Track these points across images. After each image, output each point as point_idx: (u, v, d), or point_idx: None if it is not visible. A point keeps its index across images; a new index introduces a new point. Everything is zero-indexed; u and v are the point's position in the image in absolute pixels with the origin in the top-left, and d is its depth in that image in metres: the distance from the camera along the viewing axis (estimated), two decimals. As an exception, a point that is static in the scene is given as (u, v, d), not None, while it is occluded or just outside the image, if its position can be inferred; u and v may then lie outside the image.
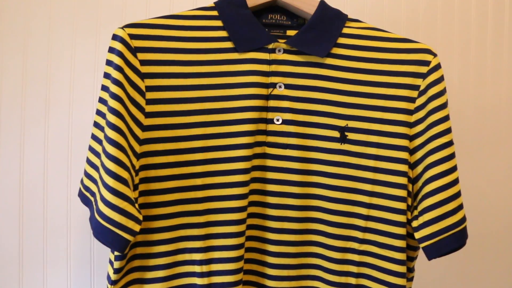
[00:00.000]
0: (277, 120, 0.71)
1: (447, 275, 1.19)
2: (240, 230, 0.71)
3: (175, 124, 0.69)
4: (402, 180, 0.71)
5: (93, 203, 0.67)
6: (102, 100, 0.68)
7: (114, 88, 0.65)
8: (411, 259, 0.75)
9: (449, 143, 0.70)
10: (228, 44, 0.71)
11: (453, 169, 0.71)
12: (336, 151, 0.71)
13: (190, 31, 0.70)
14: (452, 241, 0.71)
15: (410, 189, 0.72)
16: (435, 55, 0.72)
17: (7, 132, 1.05)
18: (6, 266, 1.06)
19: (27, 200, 1.06)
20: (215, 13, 0.72)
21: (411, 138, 0.71)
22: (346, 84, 0.71)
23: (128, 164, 0.65)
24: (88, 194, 0.70)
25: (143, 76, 0.67)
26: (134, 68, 0.67)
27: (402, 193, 0.71)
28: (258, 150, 0.71)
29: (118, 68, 0.65)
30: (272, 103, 0.71)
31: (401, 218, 0.71)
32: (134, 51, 0.67)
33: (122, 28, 0.67)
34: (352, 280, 0.74)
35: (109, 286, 0.69)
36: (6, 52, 1.05)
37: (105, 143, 0.64)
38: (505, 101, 1.20)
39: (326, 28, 0.72)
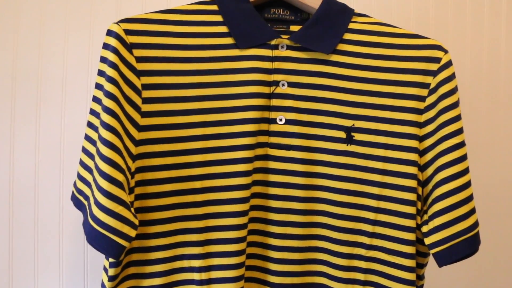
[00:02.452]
0: (280, 120, 0.71)
1: (459, 283, 1.19)
2: (241, 235, 0.70)
3: (173, 124, 0.69)
4: (412, 183, 0.71)
5: (87, 207, 0.67)
6: (96, 99, 0.68)
7: (108, 87, 0.65)
8: (421, 266, 0.75)
9: (461, 144, 0.70)
10: (229, 40, 0.71)
11: (465, 171, 0.71)
12: (342, 153, 0.71)
13: (188, 26, 0.70)
14: (464, 247, 0.70)
15: (420, 192, 0.72)
16: (446, 51, 0.72)
17: (-4, 132, 1.06)
18: (-5, 273, 1.06)
19: (17, 204, 1.06)
20: (215, 7, 0.72)
21: (421, 138, 0.71)
22: (352, 82, 0.71)
23: (124, 166, 0.65)
24: (81, 198, 0.70)
25: (139, 73, 0.67)
26: (130, 65, 0.67)
27: (411, 196, 0.71)
28: (260, 151, 0.71)
29: (113, 66, 0.65)
30: (275, 102, 0.71)
31: (410, 223, 0.71)
32: (130, 47, 0.67)
33: (117, 23, 0.67)
34: (359, 288, 0.74)
35: (103, 294, 0.69)
36: (-5, 48, 1.05)
37: (99, 144, 0.64)
38: (519, 99, 1.20)
39: (331, 23, 0.72)
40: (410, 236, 0.71)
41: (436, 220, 0.70)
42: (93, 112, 0.68)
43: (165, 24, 0.70)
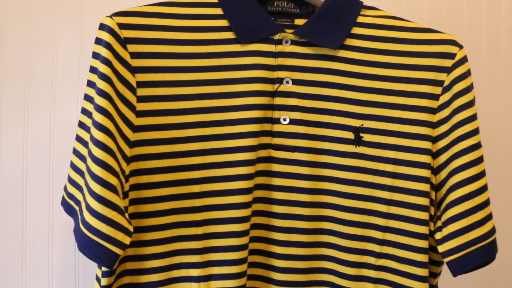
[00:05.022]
0: (284, 119, 0.71)
1: (474, 293, 1.19)
2: (242, 243, 0.70)
3: (170, 124, 0.68)
4: (424, 187, 0.71)
5: (78, 213, 0.67)
6: (88, 98, 0.68)
7: (101, 84, 0.65)
8: (434, 275, 0.75)
9: (477, 146, 0.70)
10: (229, 35, 0.70)
11: (481, 174, 0.70)
12: (350, 155, 0.71)
13: (186, 20, 0.70)
14: (480, 255, 0.70)
15: (433, 197, 0.72)
16: (461, 47, 0.72)
17: (-18, 133, 1.06)
18: (-20, 282, 1.06)
19: (3, 209, 1.06)
20: (214, -1, 0.72)
21: (434, 139, 0.71)
22: (361, 80, 0.71)
23: (117, 169, 0.65)
24: (72, 203, 0.70)
25: (133, 70, 0.67)
26: (124, 61, 0.67)
27: (424, 201, 0.71)
28: (262, 153, 0.71)
29: (106, 62, 0.65)
30: (279, 100, 0.71)
31: (423, 229, 0.71)
32: (124, 42, 0.67)
33: (111, 16, 0.67)
34: (368, 299, 0.74)
35: (95, 305, 0.69)
36: (-19, 44, 1.05)
37: (91, 145, 0.64)
38: (538, 98, 1.20)
39: (339, 17, 0.72)
40: (423, 244, 0.71)
41: (451, 227, 0.70)
42: (84, 112, 0.68)
43: (162, 18, 0.70)
